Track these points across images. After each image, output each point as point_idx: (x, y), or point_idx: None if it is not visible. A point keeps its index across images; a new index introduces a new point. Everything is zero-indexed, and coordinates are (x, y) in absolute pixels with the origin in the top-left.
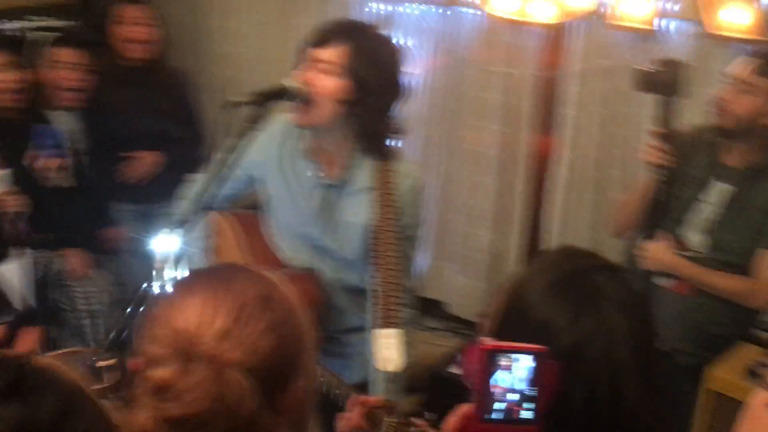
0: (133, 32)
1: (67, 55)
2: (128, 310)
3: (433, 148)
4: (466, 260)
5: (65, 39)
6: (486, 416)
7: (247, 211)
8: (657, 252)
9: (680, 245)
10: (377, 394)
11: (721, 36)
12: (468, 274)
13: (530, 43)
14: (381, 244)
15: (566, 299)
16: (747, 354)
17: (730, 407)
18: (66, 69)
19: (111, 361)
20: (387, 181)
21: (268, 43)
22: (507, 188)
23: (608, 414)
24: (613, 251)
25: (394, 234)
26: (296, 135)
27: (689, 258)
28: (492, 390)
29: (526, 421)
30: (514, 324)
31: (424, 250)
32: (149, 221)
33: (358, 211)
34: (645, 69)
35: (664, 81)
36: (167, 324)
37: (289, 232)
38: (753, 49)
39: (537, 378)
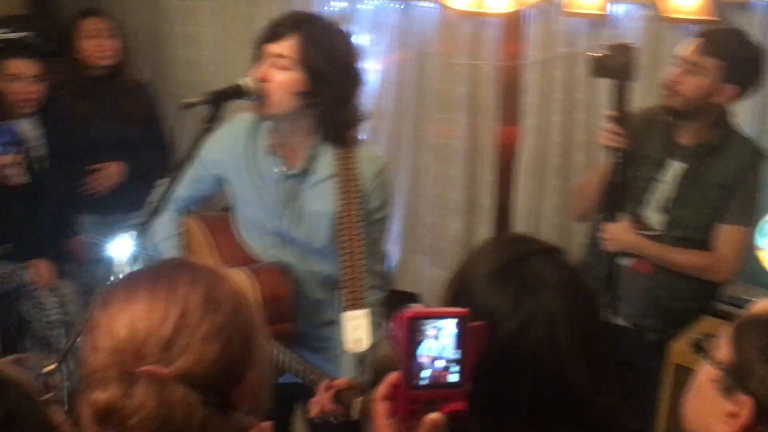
0: (94, 44)
1: (17, 66)
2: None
3: (399, 143)
4: (437, 252)
5: (13, 50)
6: (414, 383)
7: (218, 213)
8: (618, 233)
9: (640, 225)
10: (347, 376)
11: (670, 18)
12: (439, 265)
13: (489, 33)
14: (345, 229)
15: (506, 287)
16: (708, 327)
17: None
18: (19, 80)
19: (52, 366)
20: (349, 167)
21: (232, 46)
22: (474, 178)
23: (554, 396)
24: (580, 236)
25: (359, 218)
26: (262, 133)
27: (649, 237)
28: (419, 358)
29: (453, 384)
30: None
31: (395, 244)
32: (114, 231)
33: (322, 199)
34: (597, 55)
35: (615, 65)
36: (108, 333)
37: (257, 229)
38: (698, 29)
39: (461, 341)
